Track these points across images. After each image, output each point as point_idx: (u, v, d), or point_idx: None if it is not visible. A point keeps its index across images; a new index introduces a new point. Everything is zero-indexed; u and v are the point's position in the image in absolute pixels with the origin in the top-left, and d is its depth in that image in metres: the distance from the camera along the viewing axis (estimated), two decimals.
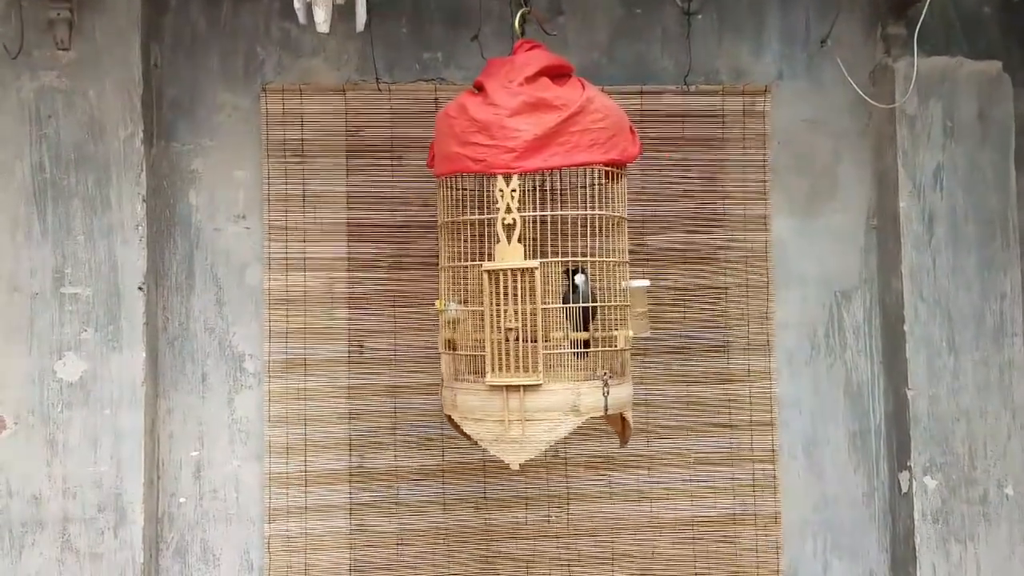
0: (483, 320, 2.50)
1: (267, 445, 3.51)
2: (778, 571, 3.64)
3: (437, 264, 2.80)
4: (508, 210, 2.45)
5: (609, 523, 3.60)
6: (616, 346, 2.62)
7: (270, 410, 3.52)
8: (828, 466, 3.70)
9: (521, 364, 2.45)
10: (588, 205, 2.62)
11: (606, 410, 2.50)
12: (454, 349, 2.67)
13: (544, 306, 2.48)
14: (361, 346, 3.56)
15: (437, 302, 2.70)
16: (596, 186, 2.68)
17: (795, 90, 3.75)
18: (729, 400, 3.66)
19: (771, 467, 3.66)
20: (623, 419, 2.70)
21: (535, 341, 2.46)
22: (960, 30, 3.81)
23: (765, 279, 3.69)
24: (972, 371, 3.58)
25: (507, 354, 2.45)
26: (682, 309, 3.66)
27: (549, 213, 2.57)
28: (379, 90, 3.58)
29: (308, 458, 3.51)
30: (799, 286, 3.72)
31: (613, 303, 2.65)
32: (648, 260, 3.63)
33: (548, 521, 3.57)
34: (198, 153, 3.56)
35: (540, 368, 2.44)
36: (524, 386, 2.45)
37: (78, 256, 3.33)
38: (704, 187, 3.68)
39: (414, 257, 3.56)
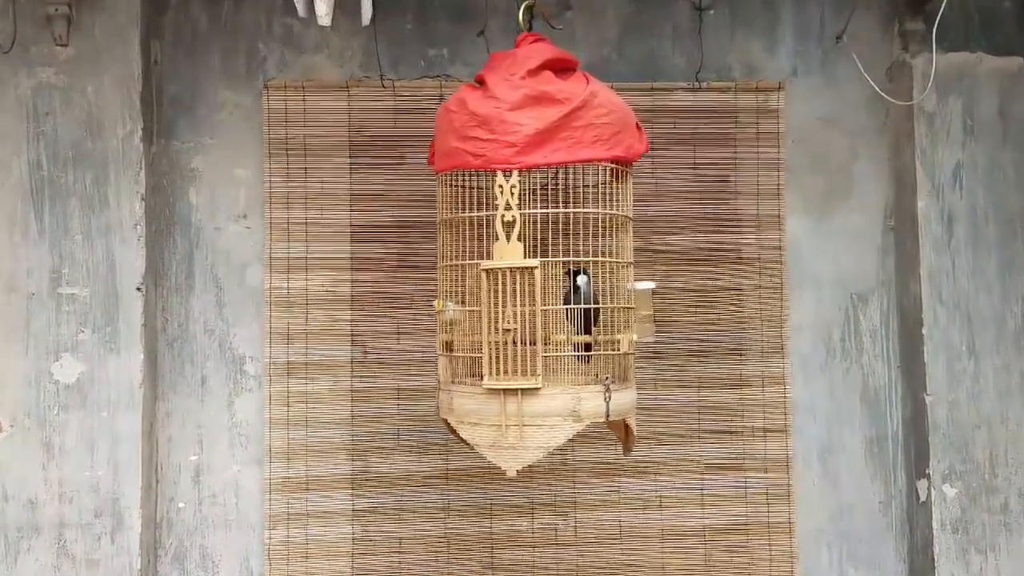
0: (481, 321, 2.42)
1: (268, 449, 3.46)
2: None
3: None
4: (508, 207, 2.38)
5: (617, 531, 3.55)
6: (619, 350, 2.53)
7: (271, 414, 3.47)
8: (844, 474, 3.64)
9: (519, 367, 2.38)
10: (592, 204, 2.55)
11: (607, 416, 2.42)
12: (452, 351, 2.60)
13: (544, 307, 2.40)
14: (364, 348, 3.52)
15: (435, 302, 2.64)
16: (601, 185, 2.61)
17: (810, 87, 3.70)
18: (742, 405, 3.60)
19: (785, 475, 3.60)
20: (626, 426, 2.61)
21: (534, 344, 2.38)
22: (979, 25, 3.74)
23: (779, 281, 3.63)
24: (993, 376, 3.51)
25: (505, 357, 2.38)
26: (693, 312, 3.60)
27: (550, 210, 2.49)
28: (383, 87, 3.54)
29: (309, 463, 3.46)
30: (814, 288, 3.66)
31: (617, 305, 2.57)
32: (658, 261, 3.57)
33: (554, 529, 3.53)
34: (198, 151, 3.52)
35: (539, 371, 2.38)
36: (522, 390, 2.38)
37: (75, 256, 3.30)
38: (716, 186, 3.63)
39: (419, 257, 3.51)
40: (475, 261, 2.51)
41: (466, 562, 3.49)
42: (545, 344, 2.43)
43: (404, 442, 3.50)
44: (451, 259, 2.61)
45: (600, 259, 2.54)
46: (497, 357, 2.40)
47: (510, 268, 2.40)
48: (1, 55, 3.28)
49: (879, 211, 3.70)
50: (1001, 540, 3.47)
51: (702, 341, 3.60)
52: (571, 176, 2.66)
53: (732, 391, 3.59)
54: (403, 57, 3.59)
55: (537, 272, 2.39)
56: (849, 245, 3.68)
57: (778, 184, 3.64)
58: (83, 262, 3.29)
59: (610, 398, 2.40)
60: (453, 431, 2.64)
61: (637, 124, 2.62)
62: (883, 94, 3.55)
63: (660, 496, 3.56)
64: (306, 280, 3.50)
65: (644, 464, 3.54)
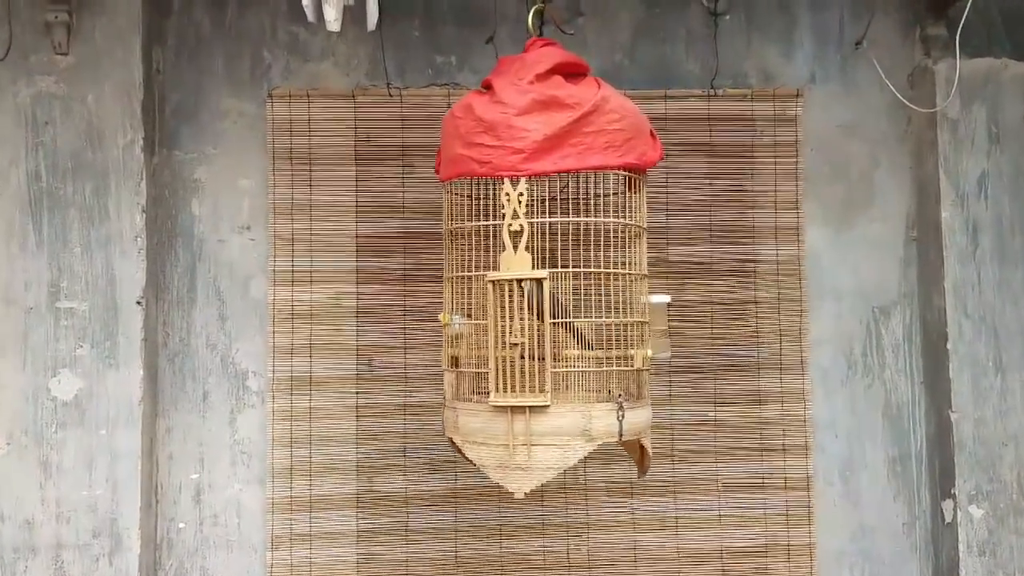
0: (488, 335, 2.33)
1: (270, 468, 3.40)
2: None
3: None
4: (515, 215, 2.30)
5: (631, 554, 3.47)
6: (632, 366, 2.43)
7: (274, 430, 3.41)
8: (866, 493, 3.57)
9: (527, 383, 2.29)
10: (604, 213, 2.47)
11: (621, 436, 2.32)
12: (458, 366, 2.51)
13: (553, 320, 2.30)
14: (370, 363, 3.45)
15: (441, 315, 2.57)
16: (614, 195, 2.53)
17: (829, 94, 3.64)
18: (760, 422, 3.53)
19: (805, 494, 3.52)
20: (641, 447, 2.51)
21: (543, 359, 2.28)
22: (1003, 29, 3.69)
23: (798, 294, 3.56)
24: (1020, 392, 3.45)
25: (512, 372, 2.29)
26: (709, 326, 3.54)
27: (559, 219, 2.40)
28: (390, 95, 3.48)
29: (313, 482, 3.40)
30: (834, 301, 3.60)
31: (631, 319, 2.49)
32: (672, 274, 3.51)
33: (566, 551, 3.45)
34: (201, 161, 3.48)
35: (548, 388, 2.29)
36: (530, 407, 2.30)
37: (74, 269, 3.25)
38: (732, 196, 3.57)
39: (426, 269, 3.45)
40: (481, 272, 2.44)
41: None
42: (555, 359, 2.33)
43: (411, 460, 3.43)
44: (457, 271, 2.53)
45: (614, 271, 2.46)
46: (504, 372, 2.32)
47: (518, 279, 2.33)
48: (1, 65, 3.24)
49: (901, 221, 3.64)
50: None
51: (718, 356, 3.53)
52: (582, 184, 2.58)
53: (750, 407, 3.53)
54: (410, 65, 3.54)
55: (546, 283, 2.31)
56: (870, 256, 3.61)
57: (796, 194, 3.58)
58: (82, 275, 3.24)
59: (623, 416, 2.32)
60: (459, 451, 2.55)
61: (651, 131, 2.55)
62: (905, 101, 3.51)
63: (676, 517, 3.49)
64: (310, 293, 3.44)
65: (659, 484, 3.47)
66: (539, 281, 2.32)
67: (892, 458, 3.57)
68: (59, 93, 3.27)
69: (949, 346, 3.44)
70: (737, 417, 3.52)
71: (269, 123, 3.46)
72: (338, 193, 3.46)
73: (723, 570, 3.47)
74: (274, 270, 3.43)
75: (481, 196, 2.50)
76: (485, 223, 2.45)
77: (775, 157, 3.57)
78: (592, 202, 2.53)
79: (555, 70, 2.48)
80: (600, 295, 2.45)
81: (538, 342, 2.29)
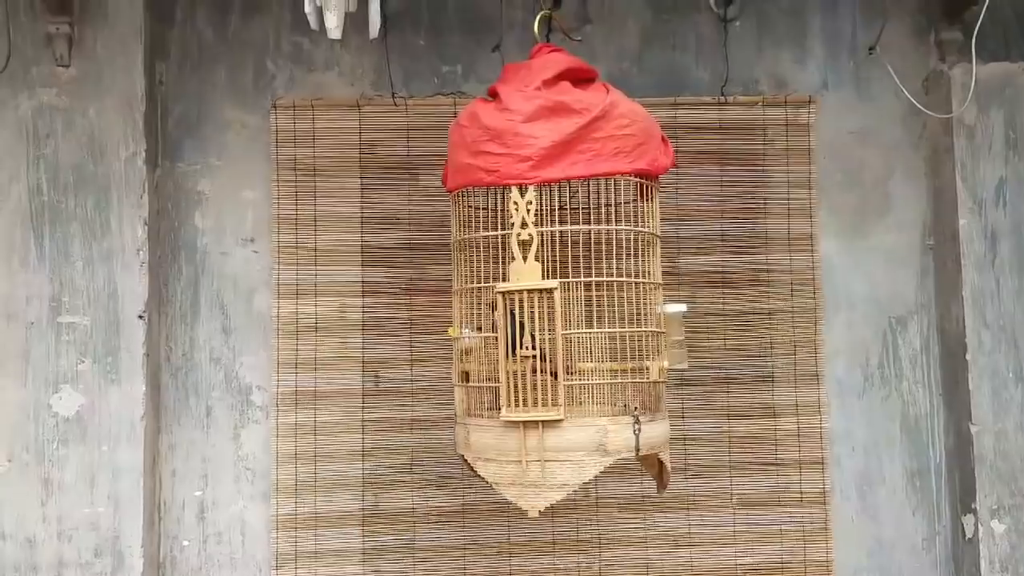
0: (498, 348, 2.28)
1: (275, 484, 3.36)
2: None
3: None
4: (523, 225, 2.25)
5: (644, 571, 3.42)
6: (648, 378, 2.38)
7: (278, 446, 3.38)
8: (884, 508, 3.53)
9: (540, 397, 2.23)
10: (616, 220, 2.43)
11: (638, 450, 2.27)
12: (469, 381, 2.45)
13: (565, 332, 2.25)
14: (376, 377, 3.42)
15: (450, 329, 2.54)
16: (624, 203, 2.49)
17: (842, 100, 3.61)
18: (775, 436, 3.48)
19: (822, 509, 3.48)
20: (660, 461, 2.44)
21: (556, 373, 2.23)
22: (1019, 33, 3.68)
23: (812, 304, 3.53)
24: None
25: (524, 386, 2.23)
26: (722, 337, 3.50)
27: (570, 227, 2.34)
28: (395, 105, 3.46)
29: (319, 498, 3.36)
30: (849, 311, 3.57)
31: (646, 330, 2.44)
32: (683, 283, 3.47)
33: (577, 568, 3.40)
34: (204, 173, 3.46)
35: (561, 402, 2.23)
36: (543, 422, 2.25)
37: (76, 283, 3.23)
38: (744, 205, 3.54)
39: (432, 281, 3.42)
40: (491, 284, 2.40)
41: None
42: (568, 372, 2.28)
43: (418, 476, 3.39)
44: (466, 283, 2.50)
45: (627, 279, 2.41)
46: (515, 387, 2.27)
47: (527, 290, 2.28)
48: (1, 78, 3.23)
49: (917, 229, 3.61)
50: None
51: (731, 368, 3.50)
52: (592, 192, 2.54)
53: (765, 421, 3.49)
54: (416, 74, 3.52)
55: (557, 294, 2.26)
56: (886, 265, 3.58)
57: (810, 202, 3.55)
58: (84, 289, 3.22)
59: (640, 430, 2.26)
60: (472, 468, 2.51)
61: (662, 136, 2.52)
62: (920, 107, 3.47)
63: (690, 533, 3.44)
64: (315, 305, 3.41)
65: (673, 499, 3.42)
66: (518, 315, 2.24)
67: (911, 472, 3.53)
68: (60, 105, 3.25)
69: (968, 357, 3.39)
70: (751, 430, 3.48)
71: (273, 134, 3.43)
72: (343, 204, 3.44)
73: None
74: (278, 283, 3.40)
75: (490, 206, 2.45)
76: (493, 233, 2.41)
77: (787, 165, 3.54)
78: (603, 210, 2.49)
79: (562, 76, 2.45)
80: (614, 305, 2.39)
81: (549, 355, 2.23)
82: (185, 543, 3.34)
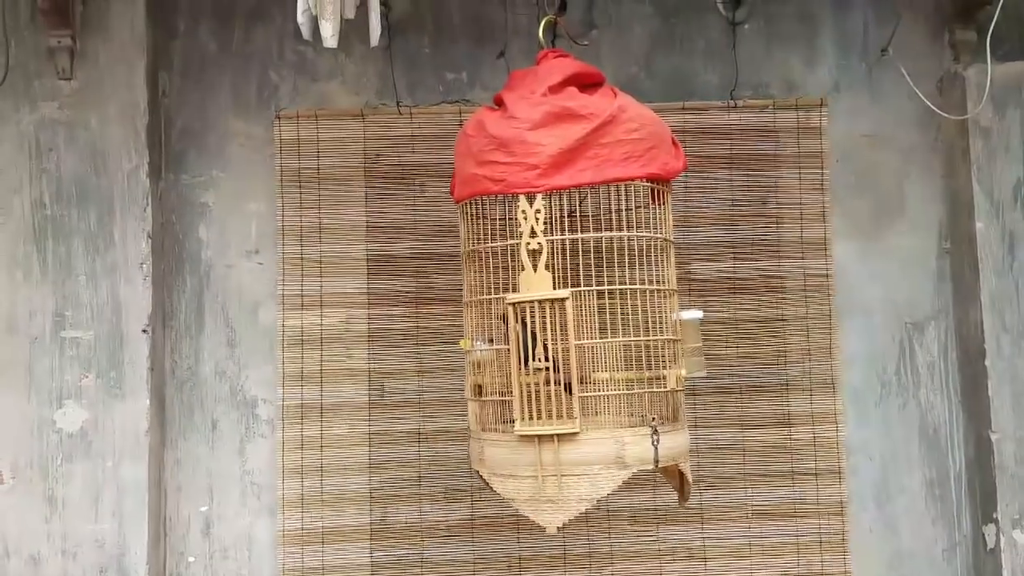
0: (510, 360, 2.23)
1: (281, 499, 3.34)
2: None
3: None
4: (533, 234, 2.21)
5: None
6: (665, 387, 2.33)
7: (284, 461, 3.35)
8: (903, 519, 3.49)
9: (555, 410, 2.18)
10: (628, 227, 2.39)
11: (656, 462, 2.22)
12: (482, 395, 2.41)
13: (579, 342, 2.20)
14: (383, 389, 3.39)
15: (461, 342, 2.50)
16: (636, 209, 2.45)
17: (854, 102, 3.58)
18: (790, 446, 3.44)
19: (839, 520, 3.44)
20: (680, 472, 2.39)
21: (570, 383, 2.18)
22: None
23: (827, 310, 3.49)
24: None
25: (538, 399, 2.19)
26: (735, 345, 3.46)
27: (580, 235, 2.30)
28: (400, 114, 3.44)
29: (326, 513, 3.34)
30: (865, 317, 3.53)
31: (662, 338, 2.41)
32: (694, 291, 3.43)
33: None
34: (208, 185, 3.44)
35: (576, 414, 2.18)
36: (559, 435, 2.21)
37: (79, 297, 3.22)
38: (756, 210, 3.51)
39: (439, 292, 3.40)
40: (501, 295, 2.36)
41: None
42: (583, 383, 2.23)
43: (426, 489, 3.36)
44: (476, 294, 2.46)
45: (641, 287, 2.37)
46: (529, 399, 2.23)
47: (539, 300, 2.24)
48: (4, 92, 3.22)
49: (933, 233, 3.57)
50: None
51: (744, 376, 3.46)
52: (603, 198, 2.49)
53: (780, 430, 3.45)
54: (420, 82, 3.50)
55: (569, 303, 2.22)
56: (902, 270, 3.54)
57: (823, 206, 3.51)
58: (87, 303, 3.21)
59: (658, 441, 2.21)
60: (487, 484, 2.48)
61: (673, 140, 2.48)
62: (934, 108, 3.44)
63: (704, 546, 3.40)
64: (321, 317, 3.38)
65: (686, 511, 3.37)
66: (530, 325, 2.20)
67: (930, 481, 3.49)
68: (63, 119, 3.25)
69: (987, 362, 3.36)
70: (766, 440, 3.44)
71: (277, 145, 3.42)
72: (348, 215, 3.42)
73: None
74: (283, 295, 3.38)
75: (498, 216, 2.41)
76: (503, 243, 2.38)
77: (799, 169, 3.50)
78: (615, 216, 2.45)
79: (569, 81, 2.42)
80: (628, 314, 2.35)
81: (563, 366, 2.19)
82: (191, 559, 3.31)
